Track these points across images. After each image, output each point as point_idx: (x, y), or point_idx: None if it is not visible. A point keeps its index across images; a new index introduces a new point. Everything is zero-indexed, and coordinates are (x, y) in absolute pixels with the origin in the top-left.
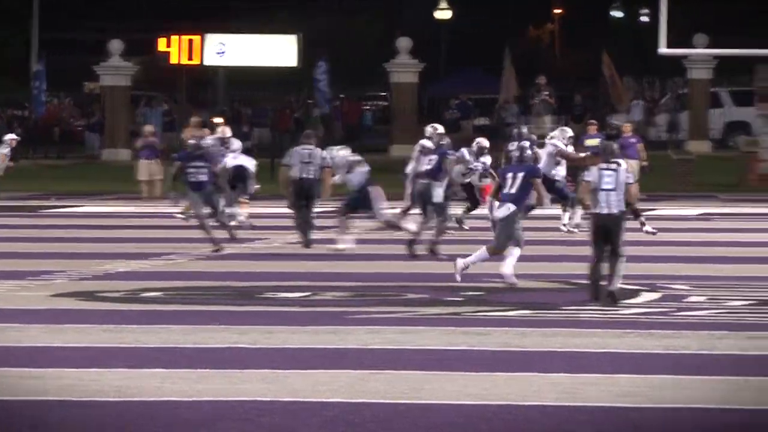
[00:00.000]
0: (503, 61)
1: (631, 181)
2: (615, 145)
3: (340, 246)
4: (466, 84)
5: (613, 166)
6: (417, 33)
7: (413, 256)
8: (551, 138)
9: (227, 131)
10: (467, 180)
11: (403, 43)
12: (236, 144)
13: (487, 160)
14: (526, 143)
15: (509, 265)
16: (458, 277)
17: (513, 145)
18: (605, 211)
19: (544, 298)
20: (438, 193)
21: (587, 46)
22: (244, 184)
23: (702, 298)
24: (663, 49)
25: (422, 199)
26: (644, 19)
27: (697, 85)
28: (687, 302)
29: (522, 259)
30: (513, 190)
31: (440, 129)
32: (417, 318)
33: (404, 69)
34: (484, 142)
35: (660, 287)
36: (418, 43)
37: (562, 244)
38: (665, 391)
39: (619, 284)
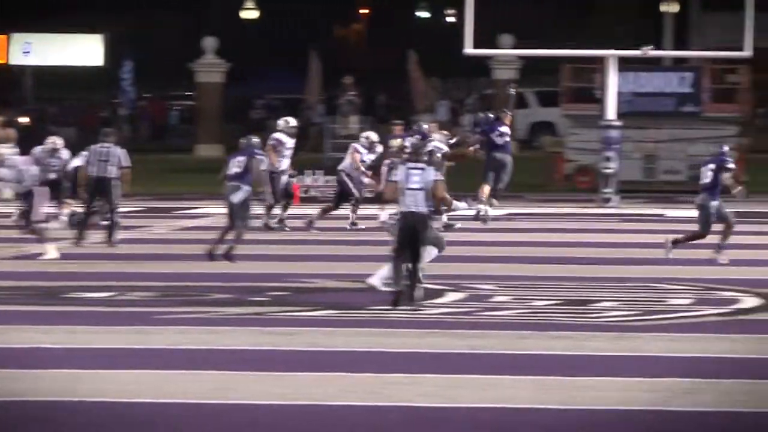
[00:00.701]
0: (309, 62)
1: (440, 178)
2: (424, 145)
3: (48, 256)
4: (272, 84)
5: (421, 165)
6: (223, 33)
7: (217, 256)
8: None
9: (58, 141)
10: (359, 175)
11: (209, 42)
12: (65, 153)
13: (378, 152)
14: (429, 145)
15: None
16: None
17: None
18: (412, 209)
19: (349, 299)
20: (239, 195)
21: (394, 46)
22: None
23: (507, 298)
24: (469, 50)
25: (228, 200)
26: (450, 19)
27: (503, 85)
28: (492, 302)
29: (328, 259)
30: None
31: (292, 122)
32: (223, 318)
33: (210, 69)
34: (373, 136)
35: (465, 287)
36: (224, 43)
37: (368, 243)
38: (470, 390)
39: (421, 285)
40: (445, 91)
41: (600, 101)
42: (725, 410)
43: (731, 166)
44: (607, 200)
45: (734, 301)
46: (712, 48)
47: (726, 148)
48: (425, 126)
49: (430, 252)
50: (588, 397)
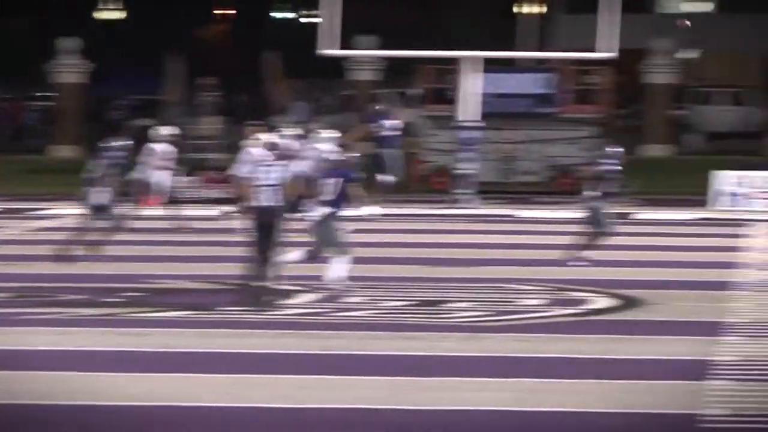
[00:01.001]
0: (169, 62)
1: (357, 178)
2: (290, 144)
3: None
4: (135, 85)
5: (279, 162)
6: (86, 33)
7: (71, 257)
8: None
9: None
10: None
11: (69, 43)
12: None
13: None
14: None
15: (335, 270)
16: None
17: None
18: (267, 204)
19: (203, 299)
20: (95, 196)
21: (254, 47)
22: None
23: (360, 299)
24: (324, 50)
25: (88, 202)
26: (313, 20)
27: (362, 86)
28: (345, 303)
29: (181, 260)
30: (329, 196)
31: (167, 131)
32: (76, 319)
33: (69, 69)
34: (269, 137)
35: (318, 288)
36: (87, 43)
37: (228, 245)
38: (324, 391)
39: (275, 284)
40: (304, 91)
41: (453, 102)
42: (574, 410)
43: (607, 168)
44: (456, 201)
45: (586, 301)
46: (576, 50)
47: (609, 149)
48: (321, 130)
49: (340, 262)
50: (441, 397)
